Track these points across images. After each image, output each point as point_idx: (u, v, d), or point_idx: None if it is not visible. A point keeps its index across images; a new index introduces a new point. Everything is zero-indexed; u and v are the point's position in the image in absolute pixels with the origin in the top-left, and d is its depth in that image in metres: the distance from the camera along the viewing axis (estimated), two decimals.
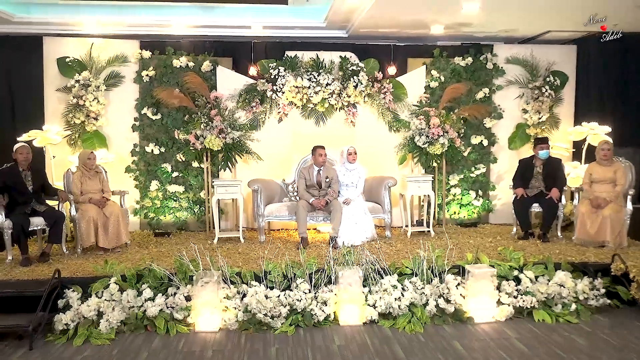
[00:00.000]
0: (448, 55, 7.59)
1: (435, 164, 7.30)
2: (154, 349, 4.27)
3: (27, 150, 5.70)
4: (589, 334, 4.51)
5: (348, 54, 7.29)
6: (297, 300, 4.71)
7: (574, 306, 4.87)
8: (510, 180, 6.86)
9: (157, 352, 4.21)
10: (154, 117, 7.19)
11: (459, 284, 4.91)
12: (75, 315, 4.53)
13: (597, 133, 7.12)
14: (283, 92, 7.15)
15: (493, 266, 5.03)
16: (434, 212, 6.99)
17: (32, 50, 6.99)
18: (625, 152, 6.67)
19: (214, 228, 6.68)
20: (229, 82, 7.23)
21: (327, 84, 7.12)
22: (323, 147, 6.51)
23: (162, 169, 7.27)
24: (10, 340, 4.42)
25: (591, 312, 4.91)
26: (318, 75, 7.10)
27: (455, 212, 7.74)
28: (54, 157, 6.82)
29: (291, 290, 4.81)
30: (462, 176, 7.70)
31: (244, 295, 4.76)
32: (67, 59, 6.97)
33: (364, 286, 4.88)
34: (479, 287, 4.83)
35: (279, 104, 7.24)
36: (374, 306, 4.78)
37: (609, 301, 5.03)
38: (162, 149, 7.24)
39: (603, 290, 5.01)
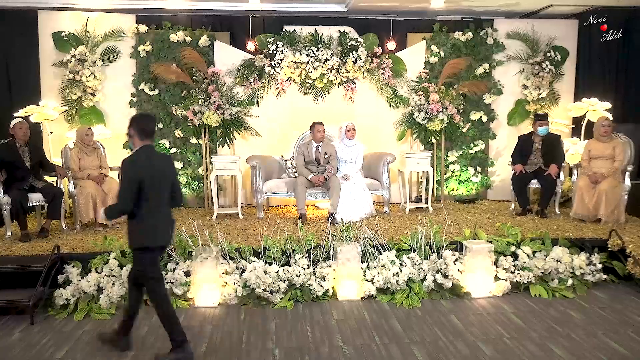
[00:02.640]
0: (448, 30, 7.50)
1: (434, 140, 7.28)
2: (154, 323, 4.30)
3: (26, 125, 5.68)
4: (585, 308, 4.56)
5: (347, 29, 7.19)
6: (296, 275, 4.75)
7: (570, 281, 4.91)
8: (509, 156, 6.85)
9: (158, 326, 4.24)
10: (151, 93, 7.12)
11: (456, 260, 4.94)
12: (76, 291, 4.57)
13: (597, 109, 7.09)
14: (281, 68, 7.08)
15: (491, 242, 5.06)
16: (433, 188, 6.99)
17: (27, 25, 6.88)
18: (626, 129, 6.63)
19: (212, 204, 6.69)
20: (227, 57, 7.15)
21: (326, 60, 7.04)
22: (322, 123, 6.47)
23: (160, 145, 7.23)
24: (11, 315, 4.47)
25: (587, 287, 4.96)
26: (317, 51, 7.02)
27: (453, 189, 7.75)
28: (51, 133, 6.78)
29: (290, 265, 4.84)
30: (460, 152, 7.68)
31: (243, 271, 4.80)
32: (63, 34, 6.87)
33: (362, 262, 4.92)
34: (477, 262, 4.86)
35: (277, 80, 7.17)
36: (372, 281, 4.82)
37: (605, 276, 5.07)
38: (160, 125, 7.19)
39: (599, 266, 5.05)
